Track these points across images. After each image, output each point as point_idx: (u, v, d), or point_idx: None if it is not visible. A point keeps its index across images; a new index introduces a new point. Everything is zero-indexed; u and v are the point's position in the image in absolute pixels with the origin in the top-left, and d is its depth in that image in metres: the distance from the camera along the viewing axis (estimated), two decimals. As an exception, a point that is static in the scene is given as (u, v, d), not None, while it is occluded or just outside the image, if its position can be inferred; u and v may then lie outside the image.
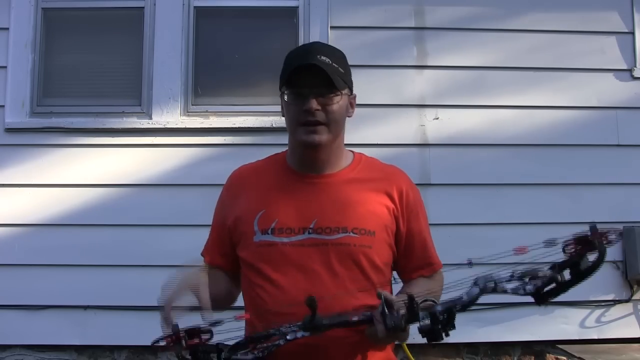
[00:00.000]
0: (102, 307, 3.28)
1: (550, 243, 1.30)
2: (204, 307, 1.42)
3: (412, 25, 3.55)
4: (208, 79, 3.55)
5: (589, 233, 1.30)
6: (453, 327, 1.34)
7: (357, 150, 1.71)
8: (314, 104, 1.50)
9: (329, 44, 2.88)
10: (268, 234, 1.52)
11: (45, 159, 3.38)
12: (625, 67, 3.55)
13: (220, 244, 1.62)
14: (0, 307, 3.27)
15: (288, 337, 1.36)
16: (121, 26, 3.63)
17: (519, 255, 1.31)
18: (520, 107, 3.49)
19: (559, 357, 3.35)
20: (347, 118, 1.62)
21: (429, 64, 3.52)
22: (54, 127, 3.41)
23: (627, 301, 3.41)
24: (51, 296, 3.27)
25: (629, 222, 3.40)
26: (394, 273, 1.64)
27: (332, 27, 3.50)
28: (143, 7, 3.53)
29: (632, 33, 3.57)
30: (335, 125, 1.55)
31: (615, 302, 3.40)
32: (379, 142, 3.39)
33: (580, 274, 1.31)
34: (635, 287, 3.40)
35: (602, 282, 3.31)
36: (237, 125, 3.43)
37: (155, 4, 3.51)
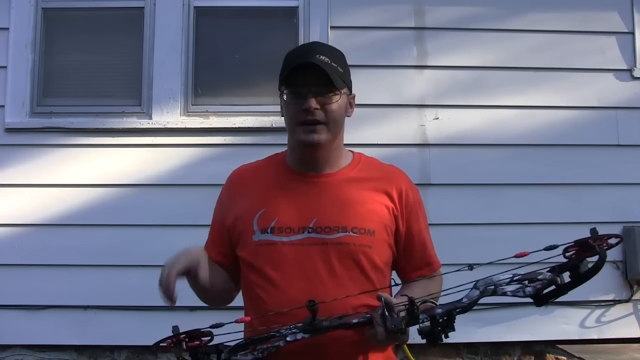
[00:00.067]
0: (102, 307, 3.28)
1: (551, 248, 1.30)
2: (200, 277, 1.46)
3: (412, 25, 3.55)
4: (208, 79, 3.55)
5: (589, 237, 1.31)
6: (452, 329, 1.34)
7: (357, 150, 1.71)
8: (313, 103, 1.50)
9: (329, 44, 2.89)
10: (268, 233, 1.52)
11: (45, 159, 3.38)
12: (625, 67, 3.55)
13: (220, 244, 1.62)
14: (0, 307, 3.27)
15: (288, 339, 1.36)
16: (121, 26, 3.63)
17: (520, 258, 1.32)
18: (520, 107, 3.49)
19: (559, 357, 3.35)
20: (346, 118, 1.62)
21: (429, 64, 3.52)
22: (54, 127, 3.41)
23: (627, 301, 3.40)
24: (51, 296, 3.27)
25: (629, 222, 3.40)
26: (393, 273, 1.64)
27: (332, 27, 3.50)
28: (143, 7, 3.53)
29: (632, 33, 3.57)
30: (334, 125, 1.55)
31: (615, 302, 3.40)
32: (379, 142, 3.39)
33: (580, 276, 1.31)
34: (635, 287, 3.40)
35: (602, 282, 3.31)
36: (237, 125, 3.43)
37: (155, 4, 3.51)
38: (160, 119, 3.42)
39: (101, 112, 3.46)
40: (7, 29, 3.46)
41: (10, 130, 3.40)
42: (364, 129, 3.34)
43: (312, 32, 3.48)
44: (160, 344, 1.35)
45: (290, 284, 1.48)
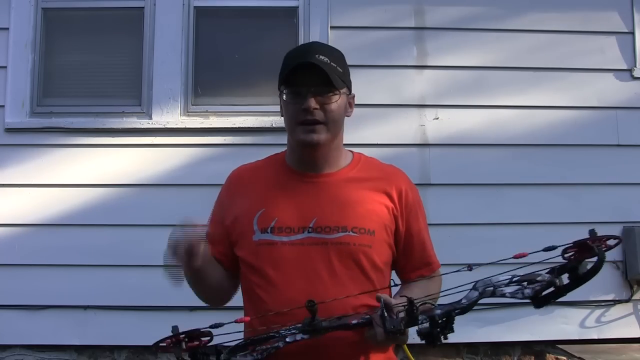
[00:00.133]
0: (102, 307, 3.28)
1: (550, 249, 1.30)
2: (200, 259, 1.45)
3: (412, 25, 3.55)
4: (208, 79, 3.55)
5: (588, 238, 1.31)
6: (451, 330, 1.34)
7: (357, 150, 1.71)
8: (313, 102, 1.50)
9: (329, 44, 2.89)
10: (267, 232, 1.52)
11: (45, 159, 3.38)
12: (625, 67, 3.55)
13: (219, 243, 1.61)
14: (0, 307, 3.27)
15: (287, 340, 1.37)
16: (121, 26, 3.63)
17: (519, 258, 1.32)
18: (520, 107, 3.49)
19: (559, 357, 3.35)
20: (346, 118, 1.62)
21: (429, 64, 3.52)
22: (54, 127, 3.41)
23: (627, 301, 3.40)
24: (51, 296, 3.27)
25: (629, 222, 3.40)
26: (393, 273, 1.64)
27: (332, 27, 3.50)
28: (143, 7, 3.53)
29: (632, 33, 3.57)
30: (333, 125, 1.55)
31: (615, 302, 3.40)
32: (379, 142, 3.39)
33: (579, 278, 1.31)
34: (635, 287, 3.40)
35: (602, 282, 3.30)
36: (237, 125, 3.43)
37: (155, 4, 3.51)
38: (160, 119, 3.42)
39: (101, 112, 3.46)
40: (7, 29, 3.46)
41: (10, 130, 3.40)
42: (364, 129, 3.34)
43: (312, 32, 3.48)
44: (160, 344, 1.35)
45: (290, 283, 1.48)
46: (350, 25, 3.53)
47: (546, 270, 1.35)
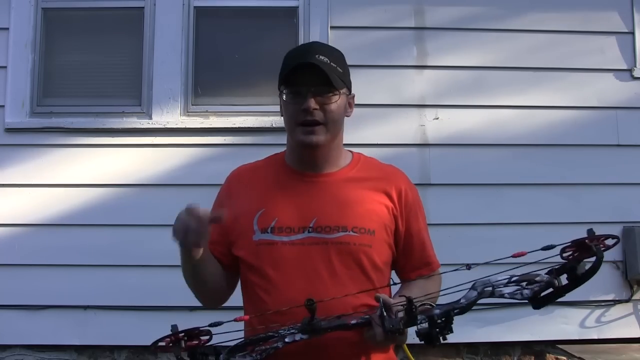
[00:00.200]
0: (102, 307, 3.28)
1: (548, 248, 1.30)
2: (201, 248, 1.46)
3: (412, 25, 3.55)
4: (208, 79, 3.55)
5: (586, 237, 1.31)
6: (450, 330, 1.34)
7: (357, 150, 1.71)
8: (312, 103, 1.50)
9: (329, 44, 2.89)
10: (268, 232, 1.52)
11: (45, 159, 3.38)
12: (625, 67, 3.55)
13: (217, 243, 1.60)
14: (0, 307, 3.27)
15: (286, 340, 1.36)
16: (121, 26, 3.63)
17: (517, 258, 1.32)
18: (520, 107, 3.49)
19: (559, 357, 3.35)
20: (346, 118, 1.62)
21: (429, 64, 3.52)
22: (54, 127, 3.41)
23: (627, 301, 3.40)
24: (51, 296, 3.27)
25: (629, 222, 3.40)
26: (392, 273, 1.64)
27: (332, 27, 3.50)
28: (143, 7, 3.53)
29: (632, 33, 3.57)
30: (333, 125, 1.55)
31: (615, 302, 3.40)
32: (379, 142, 3.39)
33: (577, 278, 1.31)
34: (635, 287, 3.40)
35: (602, 282, 3.31)
36: (237, 125, 3.43)
37: (155, 4, 3.51)
38: (160, 119, 3.42)
39: (101, 112, 3.46)
40: (7, 29, 3.46)
41: (10, 130, 3.40)
42: (364, 129, 3.34)
43: (312, 32, 3.48)
44: (159, 343, 1.34)
45: (290, 283, 1.48)
46: (350, 25, 3.53)
47: (545, 271, 1.35)
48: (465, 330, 3.08)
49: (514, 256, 1.33)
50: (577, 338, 3.36)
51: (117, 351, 3.32)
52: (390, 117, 3.47)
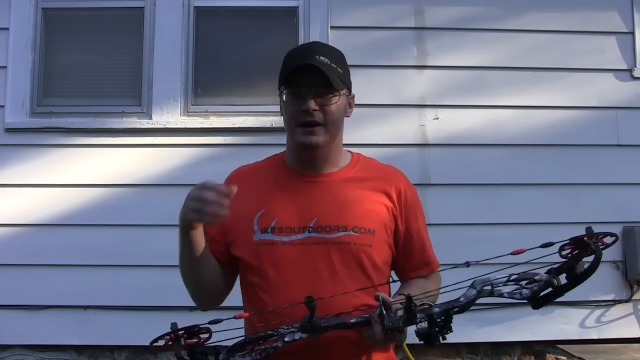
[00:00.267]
0: (102, 307, 3.28)
1: (547, 245, 1.30)
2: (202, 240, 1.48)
3: (412, 25, 3.55)
4: (208, 79, 3.55)
5: (584, 235, 1.31)
6: (450, 330, 1.34)
7: (357, 150, 1.71)
8: (312, 104, 1.50)
9: (329, 44, 2.89)
10: (268, 232, 1.52)
11: (45, 159, 3.38)
12: (625, 67, 3.55)
13: (216, 242, 1.60)
14: (0, 307, 3.27)
15: (286, 339, 1.36)
16: (121, 26, 3.64)
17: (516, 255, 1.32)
18: (520, 107, 3.49)
19: (559, 357, 3.35)
20: (346, 118, 1.62)
21: (429, 64, 3.52)
22: (54, 127, 3.41)
23: (627, 301, 3.41)
24: (51, 296, 3.27)
25: (629, 222, 3.40)
26: (392, 273, 1.64)
27: (332, 27, 3.50)
28: (143, 7, 3.53)
29: (632, 33, 3.57)
30: (333, 126, 1.55)
31: (615, 302, 3.40)
32: (379, 142, 3.39)
33: (577, 277, 1.31)
34: (635, 287, 3.40)
35: (602, 282, 3.31)
36: (237, 125, 3.43)
37: (155, 4, 3.51)
38: (160, 119, 3.42)
39: (101, 112, 3.46)
40: (7, 29, 3.46)
41: (10, 130, 3.40)
42: (364, 129, 3.34)
43: (312, 32, 3.48)
44: (159, 340, 1.34)
45: (290, 283, 1.48)
46: (350, 25, 3.53)
47: (544, 270, 1.35)
48: (465, 330, 3.09)
49: (513, 253, 1.33)
50: (577, 338, 3.36)
51: (117, 351, 3.32)
52: (390, 117, 3.47)
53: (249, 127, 3.43)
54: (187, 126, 3.42)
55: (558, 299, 1.35)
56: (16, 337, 3.28)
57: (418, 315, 1.33)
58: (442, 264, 1.67)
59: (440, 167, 3.43)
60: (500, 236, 3.25)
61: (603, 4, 3.59)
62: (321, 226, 1.52)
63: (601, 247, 1.31)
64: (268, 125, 3.41)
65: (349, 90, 1.60)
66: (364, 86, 3.25)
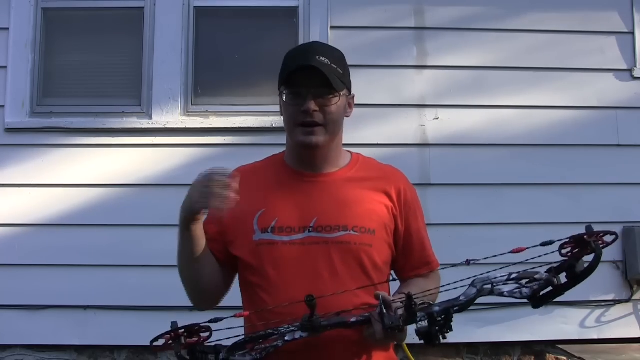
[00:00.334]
0: (102, 307, 3.28)
1: (547, 243, 1.30)
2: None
3: (412, 25, 3.55)
4: (208, 79, 3.55)
5: (584, 233, 1.31)
6: (450, 329, 1.35)
7: (357, 150, 1.71)
8: (312, 105, 1.51)
9: (329, 44, 2.89)
10: (268, 232, 1.52)
11: (45, 159, 3.38)
12: (625, 67, 3.55)
13: (215, 241, 1.59)
14: (0, 307, 3.27)
15: (286, 338, 1.36)
16: (121, 26, 3.64)
17: (517, 253, 1.32)
18: (520, 107, 3.49)
19: (559, 357, 3.35)
20: (346, 118, 1.62)
21: (429, 64, 3.52)
22: (54, 127, 3.41)
23: (627, 301, 3.40)
24: (51, 296, 3.27)
25: (629, 222, 3.40)
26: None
27: (332, 27, 3.50)
28: (143, 7, 3.53)
29: (632, 33, 3.57)
30: (333, 126, 1.55)
31: (615, 302, 3.40)
32: (379, 142, 3.39)
33: (576, 276, 1.31)
34: (635, 287, 3.40)
35: (602, 282, 3.31)
36: (237, 125, 3.43)
37: (155, 4, 3.51)
38: (160, 119, 3.42)
39: (101, 112, 3.46)
40: (7, 29, 3.46)
41: (10, 130, 3.40)
42: (364, 129, 3.34)
43: (312, 32, 3.48)
44: (159, 339, 1.34)
45: (291, 283, 1.48)
46: (350, 25, 3.53)
47: (544, 269, 1.35)
48: (465, 330, 3.09)
49: (513, 252, 1.33)
50: (577, 338, 3.36)
51: (117, 351, 3.32)
52: (390, 117, 3.47)
53: (249, 127, 3.43)
54: (187, 126, 3.42)
55: (558, 299, 1.35)
56: (16, 337, 3.28)
57: (418, 314, 1.33)
58: (442, 264, 1.67)
59: (440, 167, 3.43)
60: (500, 236, 3.25)
61: (603, 4, 3.59)
62: (321, 226, 1.52)
63: (601, 245, 1.31)
64: (268, 125, 3.41)
65: (349, 90, 1.60)
66: (364, 86, 3.26)
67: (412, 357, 2.92)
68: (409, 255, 1.62)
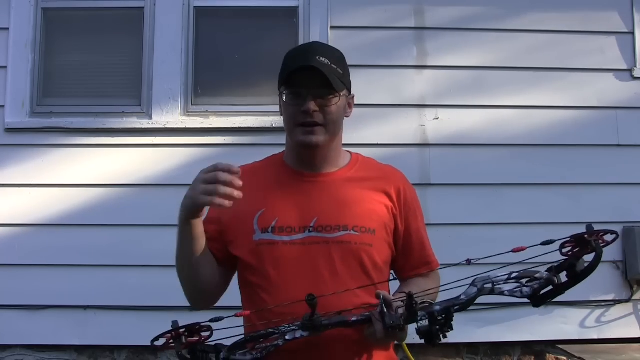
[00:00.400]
0: (102, 307, 3.28)
1: (547, 243, 1.30)
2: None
3: (412, 25, 3.55)
4: (208, 79, 3.55)
5: (585, 232, 1.31)
6: (451, 328, 1.35)
7: (357, 150, 1.72)
8: (312, 105, 1.51)
9: (329, 44, 2.89)
10: (268, 232, 1.52)
11: (45, 159, 3.38)
12: (625, 67, 3.55)
13: (215, 241, 1.59)
14: (0, 307, 3.27)
15: (287, 337, 1.36)
16: (121, 26, 3.64)
17: (517, 253, 1.32)
18: (520, 107, 3.49)
19: (559, 357, 3.35)
20: (345, 118, 1.62)
21: (429, 64, 3.52)
22: (54, 127, 3.41)
23: (627, 301, 3.41)
24: (51, 296, 3.27)
25: (629, 222, 3.40)
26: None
27: (332, 27, 3.50)
28: (143, 7, 3.53)
29: (632, 33, 3.57)
30: (333, 126, 1.55)
31: (615, 302, 3.40)
32: (378, 142, 3.39)
33: (577, 275, 1.31)
34: (635, 287, 3.40)
35: (602, 282, 3.31)
36: (237, 125, 3.43)
37: (155, 4, 3.51)
38: (160, 119, 3.42)
39: (101, 112, 3.46)
40: (7, 29, 3.46)
41: (10, 130, 3.40)
42: (364, 129, 3.34)
43: (312, 32, 3.48)
44: (160, 339, 1.34)
45: (291, 283, 1.48)
46: (350, 25, 3.54)
47: (545, 268, 1.35)
48: (465, 330, 3.08)
49: (514, 251, 1.34)
50: (577, 338, 3.36)
51: (117, 351, 3.32)
52: (390, 117, 3.47)
53: (249, 127, 3.43)
54: (187, 126, 3.42)
55: (558, 299, 1.35)
56: (16, 337, 3.28)
57: (419, 313, 1.33)
58: (442, 264, 1.67)
59: (440, 167, 3.43)
60: (500, 236, 3.25)
61: (603, 4, 3.59)
62: (322, 226, 1.52)
63: (602, 244, 1.31)
64: (268, 125, 3.41)
65: (349, 90, 1.60)
66: (364, 86, 3.26)
67: (412, 357, 2.92)
68: (409, 255, 1.62)
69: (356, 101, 1.66)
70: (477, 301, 1.39)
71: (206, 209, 1.49)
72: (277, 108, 1.66)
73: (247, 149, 3.30)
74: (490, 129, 3.47)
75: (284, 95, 1.55)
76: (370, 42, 3.53)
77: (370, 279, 1.51)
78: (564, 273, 1.33)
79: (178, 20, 3.50)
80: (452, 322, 1.34)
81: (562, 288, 1.33)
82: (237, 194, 1.39)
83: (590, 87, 3.53)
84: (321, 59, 1.51)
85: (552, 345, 3.37)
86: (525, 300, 1.37)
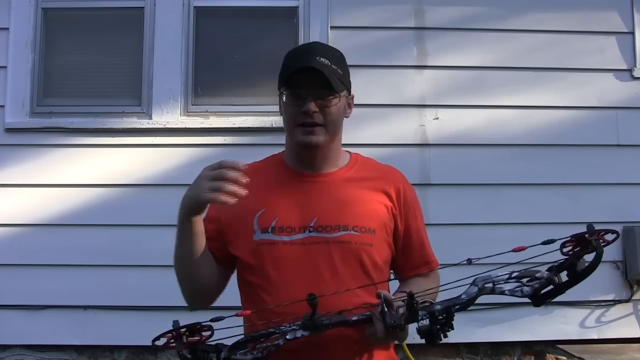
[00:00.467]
0: (102, 307, 3.28)
1: (548, 242, 1.30)
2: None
3: (412, 25, 3.55)
4: (208, 79, 3.55)
5: (585, 232, 1.31)
6: (451, 327, 1.35)
7: (357, 150, 1.72)
8: (312, 106, 1.51)
9: (329, 44, 2.89)
10: (268, 232, 1.52)
11: (45, 159, 3.38)
12: (625, 67, 3.55)
13: (214, 240, 1.59)
14: (0, 307, 3.27)
15: (288, 337, 1.36)
16: (121, 26, 3.64)
17: (518, 252, 1.32)
18: (520, 107, 3.49)
19: (559, 357, 3.35)
20: (345, 118, 1.62)
21: (429, 64, 3.52)
22: (54, 127, 3.41)
23: (627, 301, 3.41)
24: (51, 296, 3.27)
25: (629, 222, 3.40)
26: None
27: (332, 27, 3.50)
28: (143, 7, 3.53)
29: (632, 33, 3.57)
30: (332, 127, 1.55)
31: (615, 302, 3.40)
32: (378, 142, 3.40)
33: (577, 275, 1.31)
34: (635, 287, 3.40)
35: (602, 282, 3.31)
36: (237, 125, 3.43)
37: (155, 4, 3.51)
38: (160, 119, 3.42)
39: (101, 112, 3.46)
40: (7, 29, 3.46)
41: (10, 130, 3.40)
42: (364, 129, 3.34)
43: (312, 32, 3.48)
44: (160, 338, 1.34)
45: (291, 283, 1.48)
46: (350, 25, 3.54)
47: (545, 268, 1.35)
48: (465, 330, 3.08)
49: (514, 250, 1.34)
50: (577, 338, 3.36)
51: (117, 351, 3.32)
52: (390, 117, 3.48)
53: (249, 127, 3.43)
54: (187, 126, 3.43)
55: (558, 298, 1.35)
56: (16, 337, 3.28)
57: (420, 313, 1.33)
58: (442, 265, 1.67)
59: (440, 167, 3.43)
60: (501, 236, 3.24)
61: (603, 4, 3.59)
62: (322, 226, 1.52)
63: (602, 244, 1.31)
64: (268, 125, 3.41)
65: (349, 91, 1.60)
66: (364, 86, 3.26)
67: (412, 357, 2.92)
68: (409, 254, 1.62)
69: (356, 101, 1.66)
70: (477, 301, 1.39)
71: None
72: (276, 108, 1.66)
73: (247, 149, 3.30)
74: (490, 129, 3.47)
75: (284, 96, 1.55)
76: (370, 42, 3.53)
77: (371, 279, 1.51)
78: (565, 272, 1.33)
79: (178, 20, 3.50)
80: (453, 322, 1.34)
81: (562, 287, 1.33)
82: (242, 192, 1.38)
83: (590, 87, 3.53)
84: (321, 59, 1.51)
85: (552, 345, 3.37)
86: (526, 299, 1.37)
